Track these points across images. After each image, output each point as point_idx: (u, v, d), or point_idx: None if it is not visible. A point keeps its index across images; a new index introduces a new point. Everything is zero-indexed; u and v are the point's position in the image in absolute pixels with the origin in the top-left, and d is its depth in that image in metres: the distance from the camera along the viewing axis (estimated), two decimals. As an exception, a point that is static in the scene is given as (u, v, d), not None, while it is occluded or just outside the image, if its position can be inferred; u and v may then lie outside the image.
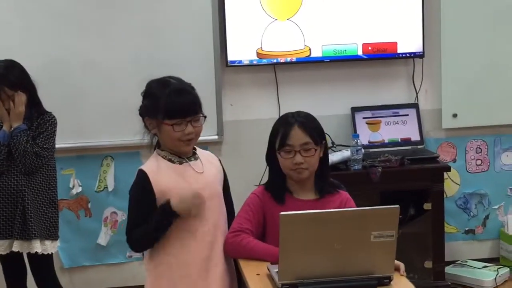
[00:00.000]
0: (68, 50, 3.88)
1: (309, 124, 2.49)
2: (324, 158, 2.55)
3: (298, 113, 2.54)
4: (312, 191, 2.54)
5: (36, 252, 3.19)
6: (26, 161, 3.14)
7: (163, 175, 2.45)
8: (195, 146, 2.55)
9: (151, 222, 2.38)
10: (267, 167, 2.60)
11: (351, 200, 2.56)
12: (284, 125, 2.49)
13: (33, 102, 3.24)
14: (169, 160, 2.48)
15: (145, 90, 2.52)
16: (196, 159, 2.53)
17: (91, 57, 3.90)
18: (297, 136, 2.45)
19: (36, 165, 3.17)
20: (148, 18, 3.93)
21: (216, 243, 2.48)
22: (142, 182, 2.45)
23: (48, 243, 3.24)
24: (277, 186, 2.53)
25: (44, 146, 3.18)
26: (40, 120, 3.23)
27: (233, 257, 2.50)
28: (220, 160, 2.66)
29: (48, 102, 3.35)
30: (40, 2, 3.84)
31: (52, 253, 3.30)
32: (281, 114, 2.62)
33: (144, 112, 2.50)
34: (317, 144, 2.48)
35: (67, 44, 3.87)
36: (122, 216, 4.08)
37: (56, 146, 3.33)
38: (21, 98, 3.16)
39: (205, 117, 2.49)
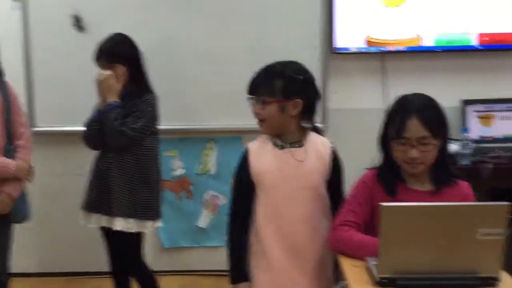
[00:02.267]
0: (181, 34, 3.94)
1: (429, 114, 2.24)
2: (444, 148, 2.31)
3: (418, 98, 2.31)
4: (428, 181, 2.34)
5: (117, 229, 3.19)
6: (112, 139, 3.11)
7: (263, 156, 2.43)
8: (309, 132, 2.49)
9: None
10: (373, 156, 2.46)
11: (472, 194, 2.36)
12: (401, 112, 2.26)
13: (135, 80, 3.21)
14: (273, 143, 2.44)
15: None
16: (300, 146, 2.45)
17: (202, 42, 3.94)
18: (415, 128, 2.22)
19: (122, 144, 3.12)
20: (257, 3, 3.92)
21: (300, 235, 2.43)
22: (243, 159, 2.47)
23: (132, 221, 3.18)
24: (388, 175, 2.34)
25: (132, 126, 3.11)
26: (138, 99, 3.18)
27: (336, 252, 2.39)
28: (334, 151, 2.54)
29: (156, 83, 3.39)
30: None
31: (138, 233, 3.24)
32: (386, 105, 2.48)
33: None
34: (437, 137, 2.25)
35: (180, 28, 3.94)
36: (222, 200, 4.11)
37: (161, 127, 3.32)
38: (117, 71, 3.14)
39: (270, 101, 2.39)
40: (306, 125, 2.49)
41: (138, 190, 3.18)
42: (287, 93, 2.38)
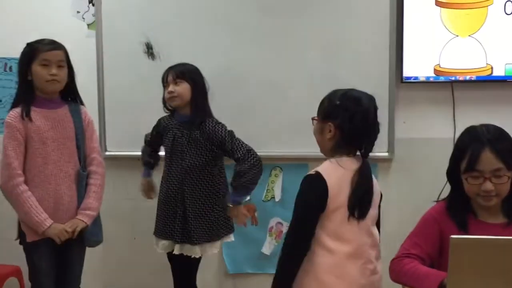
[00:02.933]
0: (246, 62, 3.98)
1: (502, 145, 2.22)
2: None
3: (488, 128, 2.27)
4: (500, 214, 2.30)
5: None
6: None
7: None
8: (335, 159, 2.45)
9: None
10: (441, 188, 2.43)
11: None
12: (473, 144, 2.23)
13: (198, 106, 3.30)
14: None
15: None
16: None
17: (267, 70, 3.97)
18: (488, 160, 2.20)
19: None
20: (323, 30, 3.93)
21: (359, 265, 2.38)
22: None
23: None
24: (458, 208, 2.31)
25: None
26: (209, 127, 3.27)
27: (398, 283, 2.37)
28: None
29: (222, 110, 3.45)
30: (222, 16, 3.99)
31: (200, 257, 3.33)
32: (456, 135, 2.44)
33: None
34: (511, 169, 2.21)
35: (245, 57, 3.98)
36: (286, 227, 4.09)
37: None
38: (183, 86, 3.27)
39: (314, 119, 2.45)
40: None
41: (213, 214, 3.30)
42: (325, 115, 2.40)
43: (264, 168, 4.04)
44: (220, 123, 3.31)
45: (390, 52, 3.89)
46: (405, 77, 3.90)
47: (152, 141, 3.59)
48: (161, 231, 3.35)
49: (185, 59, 3.42)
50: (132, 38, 4.02)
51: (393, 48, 3.89)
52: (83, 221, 3.12)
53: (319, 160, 2.54)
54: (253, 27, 3.97)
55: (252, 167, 3.20)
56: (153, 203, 3.45)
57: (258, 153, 3.90)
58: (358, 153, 2.43)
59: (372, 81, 3.78)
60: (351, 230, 2.36)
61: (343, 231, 2.35)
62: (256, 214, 4.13)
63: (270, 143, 4.00)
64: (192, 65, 3.36)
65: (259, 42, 3.98)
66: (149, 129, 3.72)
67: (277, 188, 4.12)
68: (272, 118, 4.00)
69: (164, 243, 3.34)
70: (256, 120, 3.99)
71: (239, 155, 3.20)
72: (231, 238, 3.47)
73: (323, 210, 2.32)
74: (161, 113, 3.47)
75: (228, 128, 3.31)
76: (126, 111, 4.07)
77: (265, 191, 4.13)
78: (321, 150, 2.47)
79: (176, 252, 3.28)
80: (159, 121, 3.50)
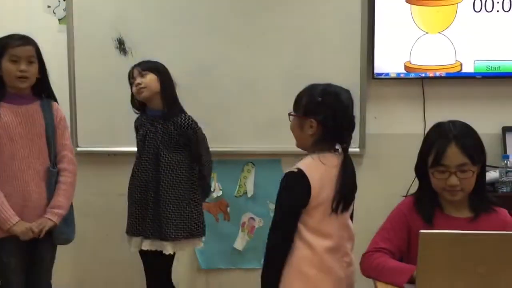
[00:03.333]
0: (220, 59, 3.98)
1: (468, 141, 2.27)
2: (481, 174, 2.33)
3: (455, 125, 2.32)
4: (466, 208, 2.35)
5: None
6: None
7: None
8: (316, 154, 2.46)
9: None
10: (411, 183, 2.47)
11: (511, 222, 2.34)
12: (439, 140, 2.28)
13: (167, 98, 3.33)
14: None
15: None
16: None
17: (240, 67, 3.99)
18: (454, 156, 2.24)
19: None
20: (296, 28, 3.96)
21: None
22: None
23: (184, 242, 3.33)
24: (426, 203, 2.35)
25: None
26: (187, 128, 3.30)
27: (369, 277, 2.41)
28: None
29: (195, 107, 3.45)
30: (195, 14, 3.98)
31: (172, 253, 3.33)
32: (426, 131, 2.48)
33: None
34: (476, 164, 2.27)
35: (219, 53, 3.98)
36: (259, 223, 4.12)
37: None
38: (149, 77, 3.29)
39: (292, 115, 2.45)
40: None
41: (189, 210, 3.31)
42: (306, 112, 2.40)
43: (236, 164, 4.10)
44: (194, 121, 3.31)
45: (362, 48, 3.93)
46: (376, 73, 3.94)
47: None
48: (133, 228, 3.33)
49: (157, 56, 3.41)
50: (104, 33, 4.00)
51: (364, 44, 3.92)
52: (51, 220, 3.07)
53: (291, 156, 2.57)
54: (226, 25, 3.98)
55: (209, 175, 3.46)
56: (123, 200, 3.43)
57: (230, 149, 3.95)
58: (337, 147, 2.45)
59: (343, 77, 3.74)
60: (331, 224, 2.39)
61: (324, 226, 2.37)
62: (228, 209, 4.16)
63: (242, 139, 4.02)
64: (156, 61, 3.38)
65: (231, 39, 3.98)
66: (121, 125, 3.71)
67: (250, 184, 4.14)
68: (244, 114, 4.01)
69: (136, 240, 3.33)
70: (229, 117, 4.00)
71: (205, 163, 3.37)
72: (201, 244, 3.46)
73: (305, 206, 2.34)
74: (131, 109, 3.46)
75: (201, 128, 3.34)
76: (97, 106, 4.05)
77: (238, 186, 4.14)
78: (300, 145, 2.47)
79: (145, 248, 3.27)
80: (135, 124, 3.48)
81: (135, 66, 3.36)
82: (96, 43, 4.02)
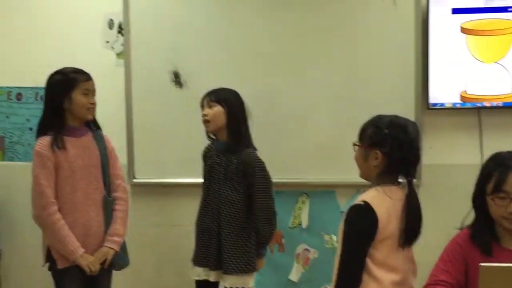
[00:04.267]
0: (271, 89, 4.00)
1: None
2: None
3: None
4: None
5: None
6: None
7: None
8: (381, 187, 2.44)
9: None
10: (468, 213, 2.42)
11: None
12: (499, 167, 2.26)
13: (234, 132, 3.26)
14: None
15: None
16: None
17: (292, 96, 4.00)
18: None
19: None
20: (349, 58, 3.96)
21: None
22: None
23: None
24: (483, 235, 2.31)
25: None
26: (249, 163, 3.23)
27: None
28: None
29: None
30: (247, 43, 4.03)
31: None
32: (483, 161, 2.45)
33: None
34: None
35: (270, 84, 4.00)
36: (314, 254, 4.10)
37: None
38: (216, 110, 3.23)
39: (356, 145, 2.44)
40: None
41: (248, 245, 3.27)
42: (371, 143, 2.39)
43: (290, 195, 4.09)
44: (257, 158, 3.25)
45: (416, 78, 3.90)
46: (432, 103, 3.90)
47: None
48: (198, 258, 3.33)
49: (211, 87, 3.45)
50: (160, 66, 4.08)
51: (419, 74, 3.90)
52: (112, 248, 3.17)
53: (346, 187, 2.56)
54: (279, 53, 4.01)
55: (267, 223, 3.27)
56: (179, 230, 3.46)
57: (285, 180, 3.93)
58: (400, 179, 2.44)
59: (398, 107, 3.73)
60: (397, 258, 2.37)
61: (391, 260, 2.35)
62: (282, 241, 4.15)
63: (296, 170, 4.01)
64: (230, 89, 3.33)
65: (284, 68, 4.01)
66: (176, 157, 3.75)
67: (304, 215, 4.12)
68: (298, 144, 4.00)
69: (199, 270, 3.32)
70: (281, 146, 4.00)
71: (259, 205, 3.23)
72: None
73: (372, 240, 2.33)
74: (188, 141, 3.50)
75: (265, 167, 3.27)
76: (154, 139, 4.12)
77: (292, 217, 4.14)
78: (363, 176, 2.47)
79: (211, 279, 3.27)
80: (203, 152, 3.43)
81: (207, 94, 3.31)
82: (152, 76, 4.10)
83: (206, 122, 3.27)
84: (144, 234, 4.13)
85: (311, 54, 3.99)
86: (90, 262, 3.10)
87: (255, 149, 3.30)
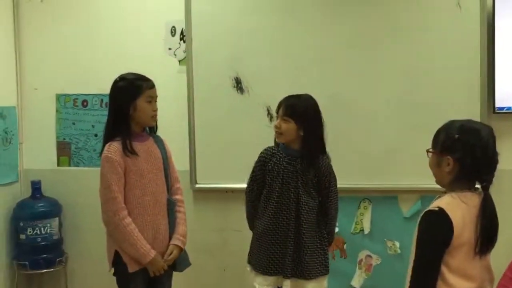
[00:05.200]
0: (336, 93, 3.99)
1: None
2: None
3: None
4: None
5: None
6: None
7: None
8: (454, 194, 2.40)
9: None
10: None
11: None
12: None
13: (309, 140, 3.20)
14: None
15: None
16: None
17: (355, 100, 3.98)
18: None
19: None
20: (415, 62, 3.92)
21: None
22: None
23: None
24: None
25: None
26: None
27: None
28: None
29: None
30: (310, 49, 4.03)
31: None
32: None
33: None
34: None
35: (335, 88, 3.99)
36: (376, 260, 4.05)
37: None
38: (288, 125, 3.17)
39: (429, 151, 2.39)
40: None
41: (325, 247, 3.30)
42: (443, 149, 2.34)
43: (352, 200, 4.06)
44: (330, 165, 3.25)
45: (482, 81, 3.82)
46: (498, 107, 3.81)
47: (259, 187, 3.34)
48: (270, 267, 3.25)
49: (272, 93, 3.45)
50: (222, 73, 4.12)
51: (484, 77, 3.82)
52: (179, 246, 3.22)
53: (408, 192, 2.52)
54: (342, 58, 4.00)
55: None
56: (241, 235, 3.46)
57: (347, 185, 3.89)
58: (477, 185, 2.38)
59: (463, 112, 3.69)
60: (474, 266, 2.31)
61: (467, 268, 2.30)
62: (344, 246, 4.12)
63: (358, 175, 3.98)
64: (308, 100, 3.22)
65: (348, 73, 3.99)
66: (238, 162, 3.75)
67: (366, 221, 4.08)
68: (360, 149, 3.98)
69: (269, 279, 3.25)
70: (344, 152, 3.97)
71: (333, 209, 3.31)
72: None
73: (447, 246, 2.28)
74: (249, 146, 3.49)
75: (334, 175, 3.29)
76: (215, 144, 4.15)
77: (354, 223, 4.10)
78: (438, 182, 2.43)
79: (285, 287, 3.20)
80: (263, 157, 3.29)
81: (284, 101, 3.21)
82: (214, 82, 4.14)
83: (277, 134, 3.23)
84: (206, 239, 4.16)
85: (375, 59, 3.97)
86: (159, 267, 3.14)
87: (327, 154, 3.27)
